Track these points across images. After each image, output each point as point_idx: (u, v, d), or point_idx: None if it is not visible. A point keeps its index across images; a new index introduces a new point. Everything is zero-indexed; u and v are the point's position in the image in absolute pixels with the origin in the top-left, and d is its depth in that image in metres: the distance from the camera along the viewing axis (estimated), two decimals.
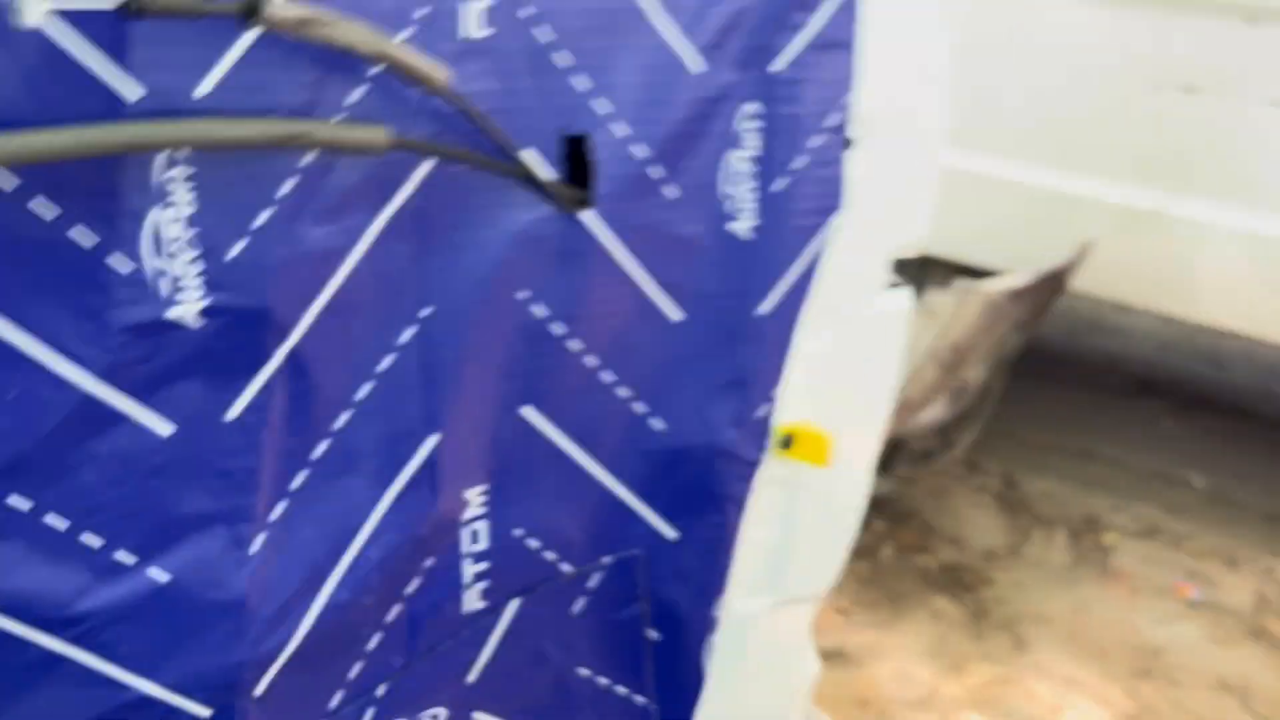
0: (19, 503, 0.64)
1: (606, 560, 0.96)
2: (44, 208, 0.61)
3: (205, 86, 0.64)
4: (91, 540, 0.67)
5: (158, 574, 0.70)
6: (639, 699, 1.03)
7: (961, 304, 2.24)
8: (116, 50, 0.61)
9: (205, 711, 0.74)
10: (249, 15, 0.59)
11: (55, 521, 0.66)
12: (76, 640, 0.68)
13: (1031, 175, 2.45)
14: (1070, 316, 3.09)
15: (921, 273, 2.20)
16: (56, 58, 0.59)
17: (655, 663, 1.01)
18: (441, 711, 0.90)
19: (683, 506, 0.98)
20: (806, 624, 1.14)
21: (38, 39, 0.58)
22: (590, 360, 0.89)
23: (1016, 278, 2.27)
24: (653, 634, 1.00)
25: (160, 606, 0.70)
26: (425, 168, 0.75)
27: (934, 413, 2.30)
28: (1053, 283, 2.31)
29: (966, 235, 2.45)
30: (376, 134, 0.70)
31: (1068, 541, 2.34)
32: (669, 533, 0.98)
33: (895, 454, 2.25)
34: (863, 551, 2.18)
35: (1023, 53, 2.42)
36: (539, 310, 0.85)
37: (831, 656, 1.90)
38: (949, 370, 2.27)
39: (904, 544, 2.31)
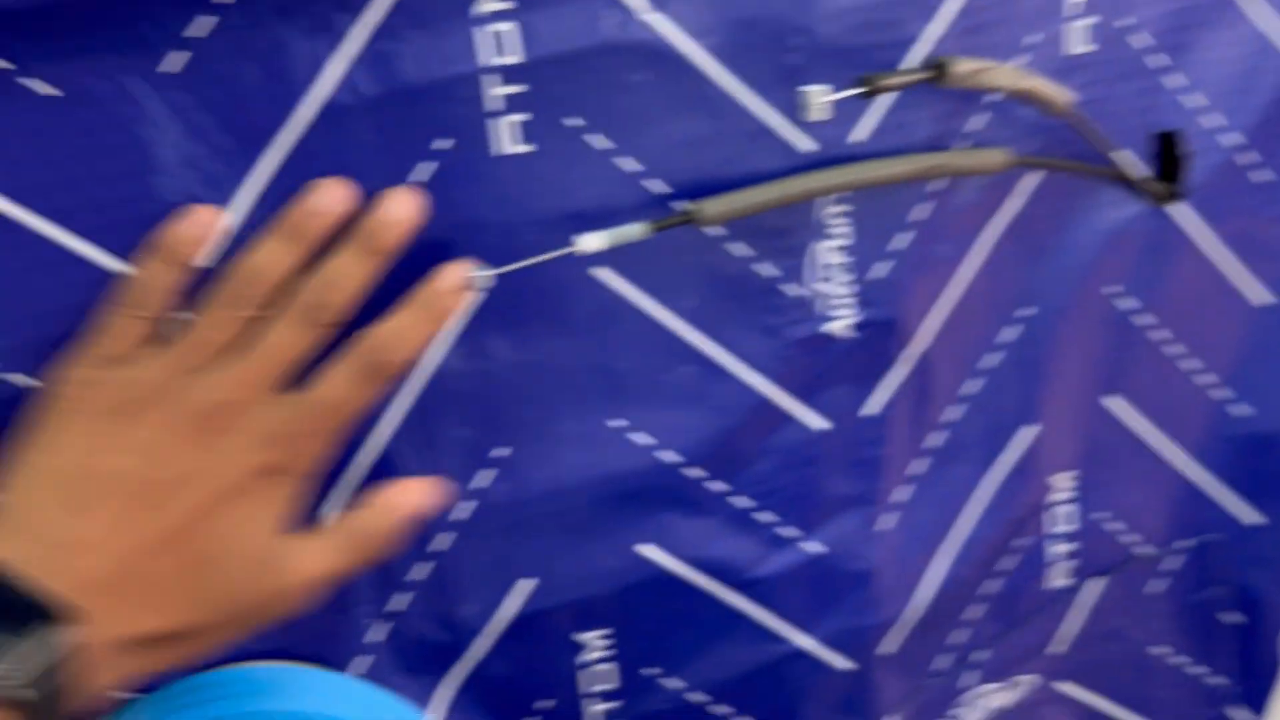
0: (718, 486, 0.79)
1: (1185, 544, 0.98)
2: (739, 247, 0.75)
3: (860, 134, 0.75)
4: (765, 517, 0.81)
5: (813, 546, 0.83)
6: (1215, 680, 1.03)
7: None
8: (793, 114, 0.73)
9: (847, 665, 0.86)
10: (939, 77, 0.69)
11: (741, 501, 0.80)
12: (755, 599, 0.82)
13: None
14: None
15: None
16: (755, 127, 0.72)
17: (1236, 645, 1.01)
18: (1030, 679, 0.97)
19: (1268, 492, 0.97)
20: None
21: (743, 115, 0.71)
22: (1174, 349, 0.91)
23: None
24: (1233, 617, 1.00)
25: (814, 574, 0.83)
26: (1031, 179, 0.82)
27: None
28: None
29: None
30: (998, 156, 0.77)
31: None
32: (1252, 518, 0.97)
33: None
34: None
35: None
36: (1127, 303, 0.88)
37: None
38: None
39: None
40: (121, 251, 0.64)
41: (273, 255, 0.59)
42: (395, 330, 0.60)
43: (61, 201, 0.62)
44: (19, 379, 0.64)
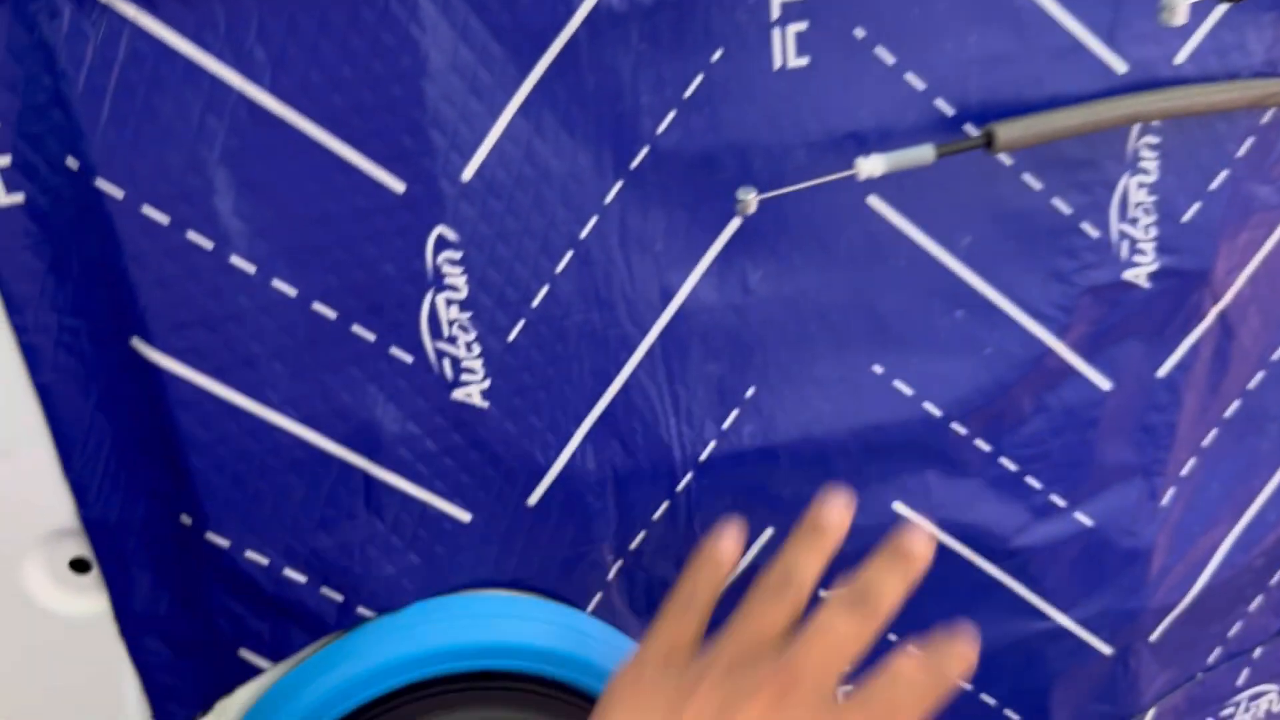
0: (982, 445, 0.72)
1: None
2: (1032, 180, 0.67)
3: (1181, 56, 0.65)
4: (1033, 483, 0.74)
5: (1083, 518, 0.75)
6: None
7: None
8: (1108, 31, 0.64)
9: (1108, 649, 0.78)
10: None
11: (1007, 464, 0.73)
12: (1012, 571, 0.75)
13: None
14: None
15: None
16: (1063, 43, 0.64)
17: None
18: None
19: None
20: None
21: (1052, 29, 0.63)
22: None
23: None
24: None
25: (1081, 548, 0.76)
26: None
27: None
28: None
29: None
30: None
31: None
32: None
33: None
34: None
35: None
36: None
37: None
38: None
39: None
40: (385, 160, 0.62)
41: (800, 558, 0.61)
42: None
43: (331, 105, 0.60)
44: (282, 286, 0.63)
